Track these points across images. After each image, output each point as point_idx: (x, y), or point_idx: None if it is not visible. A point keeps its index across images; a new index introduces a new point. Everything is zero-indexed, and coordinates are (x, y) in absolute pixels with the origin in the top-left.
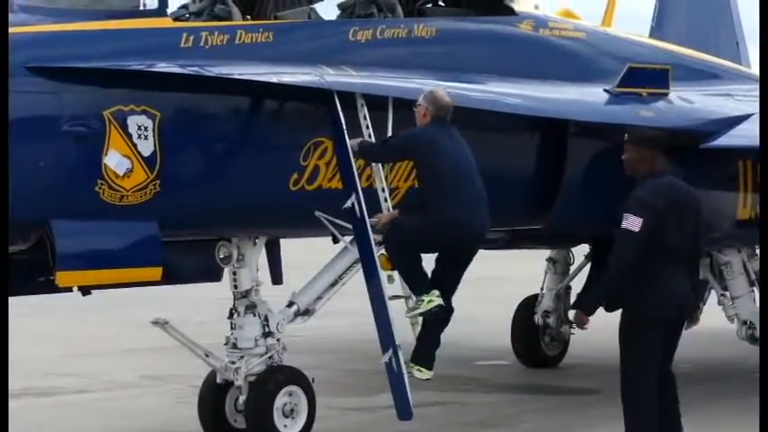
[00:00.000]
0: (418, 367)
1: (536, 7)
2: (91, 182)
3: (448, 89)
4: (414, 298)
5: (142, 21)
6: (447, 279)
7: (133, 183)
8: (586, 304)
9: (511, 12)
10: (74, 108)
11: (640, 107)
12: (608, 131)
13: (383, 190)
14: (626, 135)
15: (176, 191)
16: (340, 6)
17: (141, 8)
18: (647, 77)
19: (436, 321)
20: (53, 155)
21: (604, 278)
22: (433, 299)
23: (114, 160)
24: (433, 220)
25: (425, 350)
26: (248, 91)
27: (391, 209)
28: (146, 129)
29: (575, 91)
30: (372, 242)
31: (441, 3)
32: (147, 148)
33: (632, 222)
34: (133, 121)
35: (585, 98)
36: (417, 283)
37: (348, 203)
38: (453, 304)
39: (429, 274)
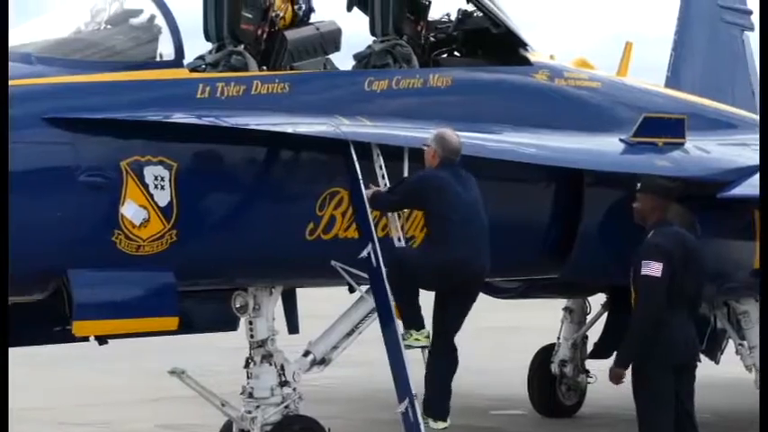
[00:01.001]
0: (415, 336)
1: (551, 57)
2: (108, 232)
3: (463, 139)
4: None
5: (158, 72)
6: (448, 319)
7: (150, 232)
8: (621, 360)
9: (526, 62)
10: (91, 159)
11: (656, 157)
12: (624, 181)
13: (399, 239)
14: (638, 184)
15: (193, 241)
16: (356, 57)
17: (158, 59)
18: (663, 127)
19: (444, 371)
20: (70, 205)
21: (635, 327)
22: (421, 339)
23: (131, 210)
24: (436, 260)
25: (437, 402)
26: (264, 141)
27: None
28: (162, 179)
29: (590, 140)
30: (388, 291)
31: (456, 53)
32: (163, 198)
33: (654, 268)
34: (150, 172)
35: (601, 148)
36: (410, 315)
37: (364, 253)
38: (469, 354)
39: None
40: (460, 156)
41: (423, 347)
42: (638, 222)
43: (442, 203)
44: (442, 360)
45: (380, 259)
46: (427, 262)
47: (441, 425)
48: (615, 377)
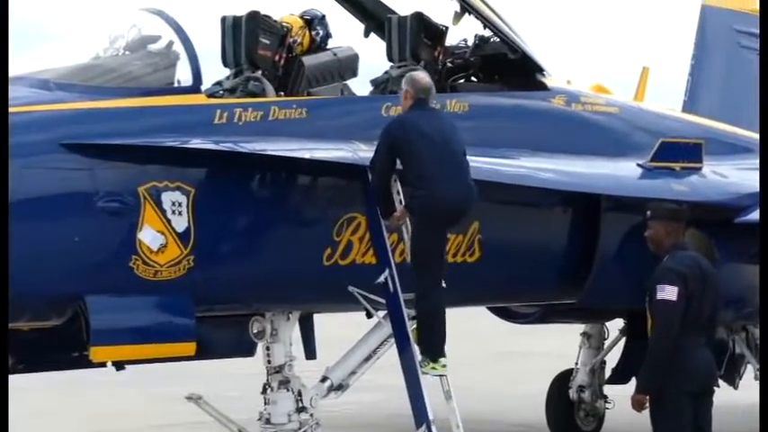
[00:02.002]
0: (432, 365)
1: (568, 82)
2: (125, 257)
3: (480, 164)
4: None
5: (176, 98)
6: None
7: (167, 258)
8: (642, 387)
9: (543, 87)
10: (109, 184)
11: (674, 181)
12: (641, 206)
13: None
14: (648, 212)
15: (210, 266)
16: (373, 82)
17: (175, 85)
18: (680, 152)
19: (431, 316)
20: (88, 230)
21: (653, 352)
22: (438, 368)
23: (149, 236)
24: (418, 198)
25: (431, 344)
26: (282, 167)
27: None
28: (180, 205)
29: (608, 165)
30: (406, 317)
31: (473, 78)
32: (181, 223)
33: (669, 292)
34: (167, 198)
35: (619, 173)
36: (433, 341)
37: (381, 278)
38: (486, 379)
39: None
40: (433, 93)
41: (440, 376)
42: (653, 251)
43: (412, 143)
44: (430, 299)
45: (398, 285)
46: (421, 204)
47: (440, 369)
48: (637, 404)
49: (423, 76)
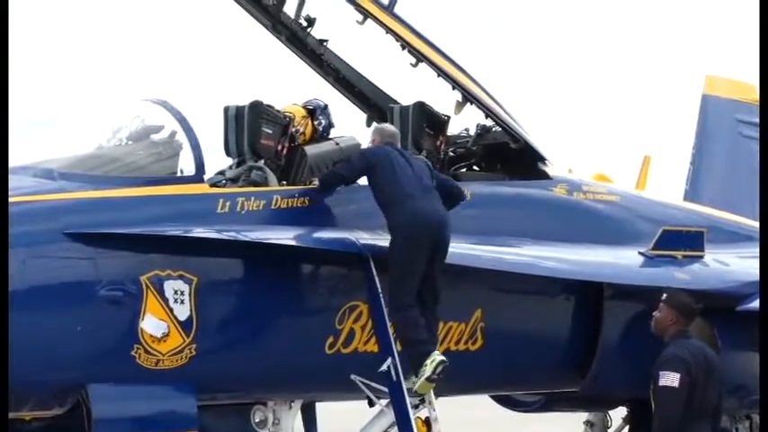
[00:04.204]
0: (419, 383)
1: (570, 171)
2: (127, 346)
3: (482, 252)
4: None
5: (179, 187)
6: (427, 286)
7: (169, 347)
8: None
9: (545, 175)
10: (111, 273)
11: (676, 269)
12: (644, 294)
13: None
14: (664, 295)
15: (212, 355)
16: None
17: (179, 174)
18: (682, 240)
19: (409, 324)
20: (90, 319)
21: None
22: (436, 357)
23: (151, 324)
24: (399, 215)
25: (414, 353)
26: (284, 256)
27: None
28: (182, 293)
29: (610, 254)
30: (408, 405)
31: (475, 167)
32: (183, 312)
33: (671, 378)
34: (170, 286)
35: (621, 261)
36: (415, 349)
37: (384, 367)
38: None
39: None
40: (398, 140)
41: (443, 362)
42: (655, 333)
43: (386, 169)
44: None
45: (401, 373)
46: (396, 223)
47: (425, 385)
48: None
49: (389, 125)
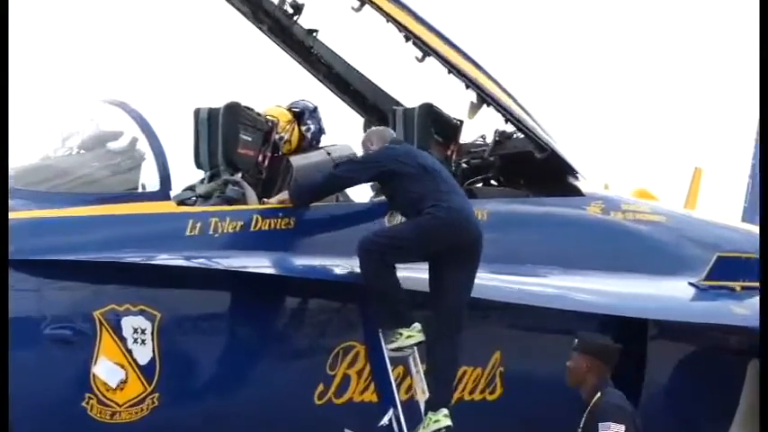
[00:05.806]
0: (435, 418)
1: (606, 186)
2: (78, 395)
3: (502, 283)
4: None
5: (140, 205)
6: (449, 291)
7: (127, 396)
8: None
9: (577, 192)
10: (58, 308)
11: (734, 304)
12: (696, 333)
13: (424, 392)
14: (575, 341)
15: (178, 406)
16: (374, 186)
17: (140, 190)
18: (739, 268)
19: (440, 348)
20: (33, 363)
21: None
22: (413, 333)
23: (105, 370)
24: (433, 215)
25: (441, 393)
26: (265, 287)
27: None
28: (143, 332)
29: (654, 285)
30: None
31: (493, 181)
32: (144, 354)
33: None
34: (128, 323)
35: (667, 293)
36: (397, 311)
37: (385, 420)
38: None
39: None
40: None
41: (417, 344)
42: (570, 384)
43: (413, 160)
44: (446, 343)
45: (404, 427)
46: (415, 226)
47: (443, 420)
48: None
49: (385, 128)
